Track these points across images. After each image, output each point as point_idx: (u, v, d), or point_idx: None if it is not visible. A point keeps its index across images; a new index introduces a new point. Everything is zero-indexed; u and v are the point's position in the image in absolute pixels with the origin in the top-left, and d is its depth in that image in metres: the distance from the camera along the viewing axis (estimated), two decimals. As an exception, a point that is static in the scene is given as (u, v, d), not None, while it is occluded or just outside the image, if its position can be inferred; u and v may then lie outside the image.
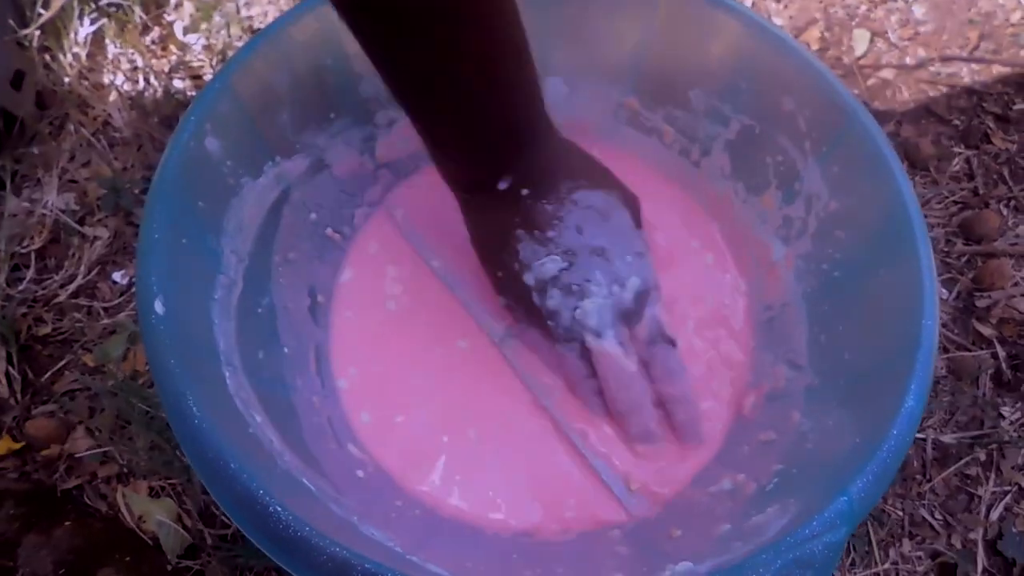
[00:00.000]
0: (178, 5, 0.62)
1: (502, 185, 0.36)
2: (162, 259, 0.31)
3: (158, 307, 0.29)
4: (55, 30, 0.58)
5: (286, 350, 0.39)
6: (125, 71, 0.59)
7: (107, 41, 0.60)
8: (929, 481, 0.46)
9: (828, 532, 0.26)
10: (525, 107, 0.34)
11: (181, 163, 0.33)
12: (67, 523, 0.44)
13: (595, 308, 0.37)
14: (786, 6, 0.68)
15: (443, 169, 0.37)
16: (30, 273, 0.52)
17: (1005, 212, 0.56)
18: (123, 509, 0.45)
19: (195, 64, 0.60)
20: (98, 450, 0.46)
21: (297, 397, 0.38)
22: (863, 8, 0.68)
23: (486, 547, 0.36)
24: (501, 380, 0.41)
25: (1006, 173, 0.58)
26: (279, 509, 0.26)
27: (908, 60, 0.64)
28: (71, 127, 0.57)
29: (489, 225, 0.38)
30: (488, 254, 0.39)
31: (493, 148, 0.35)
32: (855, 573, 0.44)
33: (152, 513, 0.45)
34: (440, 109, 0.32)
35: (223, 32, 0.60)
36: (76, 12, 0.58)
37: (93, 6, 0.59)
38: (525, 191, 0.36)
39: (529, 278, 0.38)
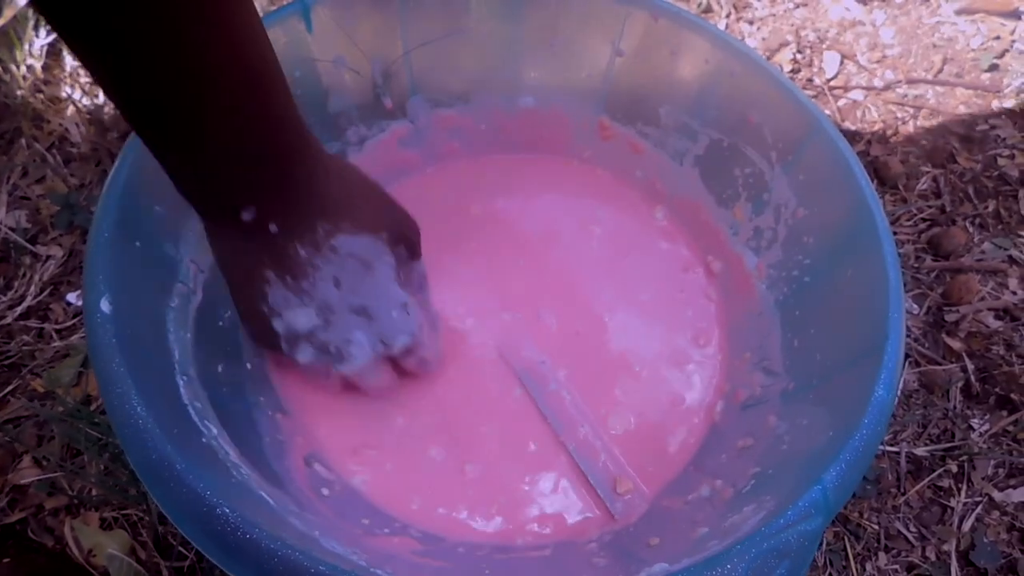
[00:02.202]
0: (142, 18, 0.65)
1: (245, 216, 0.32)
2: (111, 258, 0.32)
3: (104, 306, 0.30)
4: (8, 40, 0.60)
5: (248, 366, 0.41)
6: (83, 84, 0.62)
7: (64, 53, 0.62)
8: (903, 494, 0.50)
9: (803, 522, 0.28)
10: (265, 128, 0.30)
11: (138, 163, 0.34)
12: (6, 560, 0.44)
13: (355, 368, 0.38)
14: (758, 28, 0.74)
15: (176, 184, 0.32)
16: (-25, 294, 0.53)
17: (971, 229, 0.61)
18: (71, 543, 0.45)
19: (158, 78, 0.62)
20: (45, 477, 0.47)
21: (259, 414, 0.39)
22: (833, 31, 0.74)
23: (458, 563, 0.38)
24: (480, 392, 0.44)
25: (971, 191, 0.64)
26: (227, 511, 0.26)
27: (876, 82, 0.70)
28: (23, 141, 0.59)
29: (235, 255, 0.35)
30: (235, 286, 0.36)
31: (224, 171, 0.31)
32: (834, 588, 0.47)
33: (103, 546, 0.45)
34: (152, 114, 0.28)
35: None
36: (31, 22, 0.61)
37: (50, 17, 0.62)
38: (273, 227, 0.33)
39: (279, 325, 0.36)
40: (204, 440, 0.32)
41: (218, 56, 0.27)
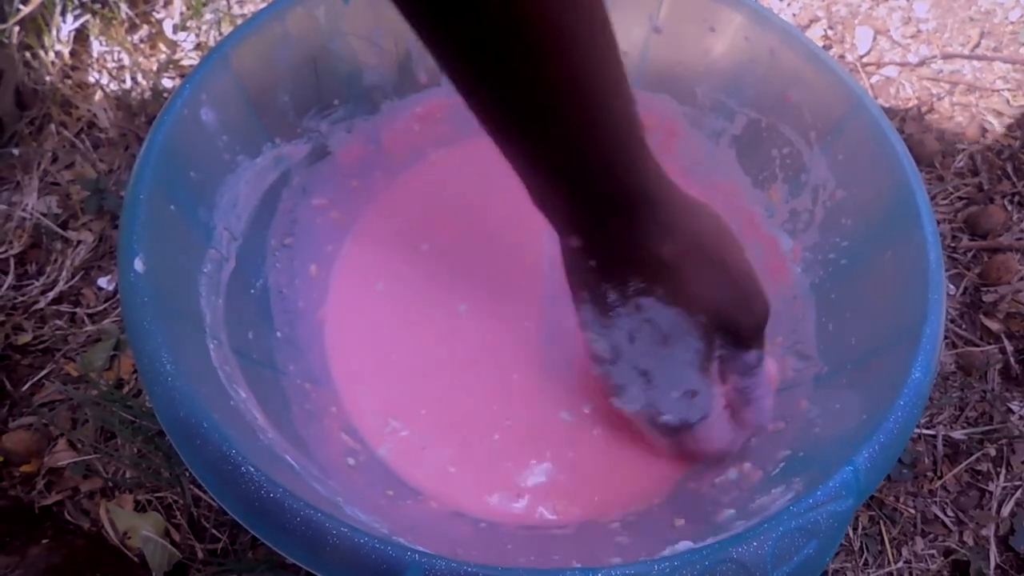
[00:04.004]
0: (167, 2, 0.65)
1: (573, 243, 0.33)
2: (146, 219, 0.32)
3: (137, 265, 0.31)
4: (36, 26, 0.60)
5: (279, 335, 0.41)
6: (111, 70, 0.61)
7: (92, 39, 0.62)
8: (940, 478, 0.49)
9: (833, 502, 0.27)
10: (593, 162, 0.29)
11: (173, 129, 0.35)
12: (44, 541, 0.44)
13: (628, 407, 0.38)
14: (789, 4, 0.72)
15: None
16: (9, 280, 0.53)
17: (1009, 207, 0.59)
18: (107, 525, 0.45)
19: (185, 63, 0.62)
20: (80, 459, 0.47)
21: (288, 382, 0.39)
22: (865, 6, 0.72)
23: (481, 536, 0.38)
24: (508, 373, 0.43)
25: (1010, 169, 0.62)
26: (251, 469, 0.27)
27: (911, 58, 0.68)
28: (53, 127, 0.59)
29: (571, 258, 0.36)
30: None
31: (563, 200, 0.31)
32: (868, 573, 0.46)
33: (138, 528, 0.45)
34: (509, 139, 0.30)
35: (214, 30, 0.63)
36: (58, 8, 0.60)
37: (76, 1, 0.61)
38: (592, 263, 0.34)
39: (589, 335, 0.37)
40: (232, 403, 0.32)
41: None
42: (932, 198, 0.60)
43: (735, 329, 0.34)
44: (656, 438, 0.39)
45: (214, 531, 0.46)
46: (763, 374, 0.37)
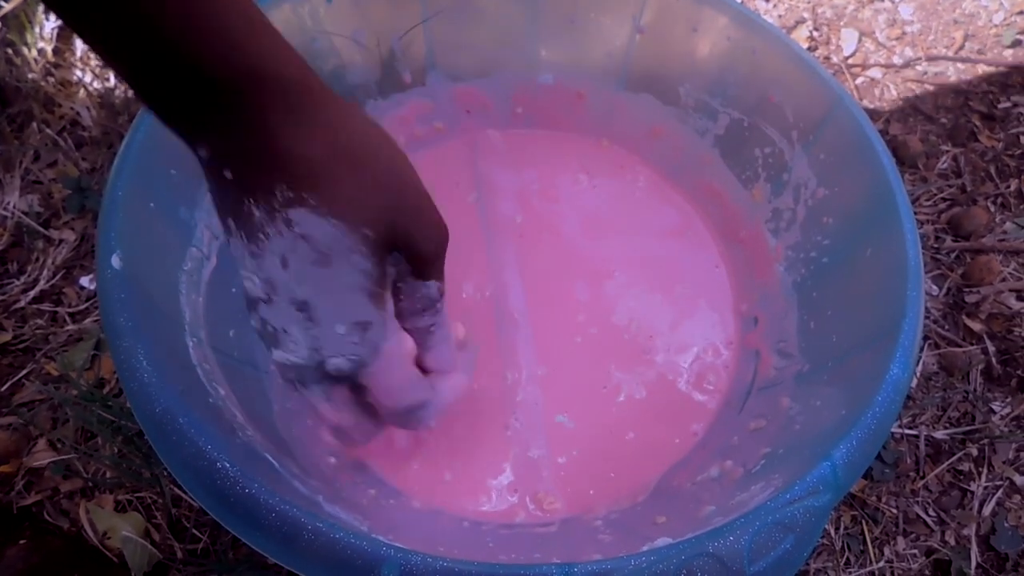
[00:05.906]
0: None
1: (201, 152, 0.26)
2: (124, 216, 0.32)
3: (115, 262, 0.31)
4: (18, 23, 0.59)
5: None
6: (94, 68, 0.61)
7: (75, 36, 0.62)
8: (922, 478, 0.49)
9: (810, 497, 0.28)
10: (206, 38, 0.23)
11: (154, 127, 0.35)
12: (22, 542, 0.44)
13: (288, 364, 0.30)
14: (775, 5, 0.72)
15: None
16: (-11, 278, 0.53)
17: (992, 209, 0.60)
18: (86, 525, 0.45)
19: (169, 60, 0.62)
20: (60, 459, 0.47)
21: (270, 381, 0.39)
22: (851, 8, 0.72)
23: (463, 534, 0.38)
24: (487, 367, 0.43)
25: (992, 170, 0.62)
26: (227, 465, 0.27)
27: (896, 59, 0.69)
28: (35, 125, 0.59)
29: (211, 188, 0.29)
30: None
31: (168, 91, 0.25)
32: (850, 572, 0.46)
33: (118, 528, 0.45)
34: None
35: (198, 27, 0.62)
36: (41, 5, 0.60)
37: None
38: (227, 173, 0.26)
39: (241, 272, 0.29)
40: (211, 400, 0.32)
41: None
42: (915, 199, 0.60)
43: (408, 244, 0.29)
44: (331, 402, 0.31)
45: (195, 531, 0.45)
46: (444, 314, 0.32)
